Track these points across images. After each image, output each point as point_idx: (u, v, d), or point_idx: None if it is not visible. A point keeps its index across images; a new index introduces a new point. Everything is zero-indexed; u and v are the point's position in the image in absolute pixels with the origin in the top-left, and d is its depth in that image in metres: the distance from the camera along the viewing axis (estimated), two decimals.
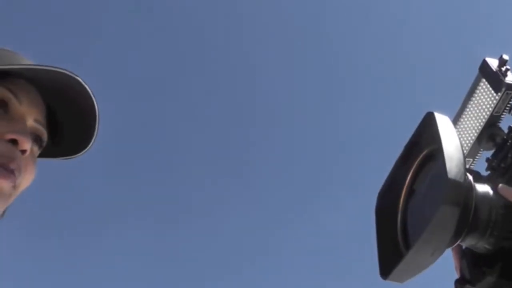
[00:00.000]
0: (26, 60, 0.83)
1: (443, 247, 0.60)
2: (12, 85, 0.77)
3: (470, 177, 0.66)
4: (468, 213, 0.63)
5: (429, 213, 0.61)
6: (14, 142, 0.73)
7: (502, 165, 0.76)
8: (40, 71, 0.76)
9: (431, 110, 0.70)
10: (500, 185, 0.67)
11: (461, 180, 0.58)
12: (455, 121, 0.87)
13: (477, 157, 0.84)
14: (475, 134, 0.83)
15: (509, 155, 0.75)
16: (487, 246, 0.65)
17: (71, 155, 0.87)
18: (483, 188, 0.66)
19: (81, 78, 0.77)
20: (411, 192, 0.71)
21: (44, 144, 0.82)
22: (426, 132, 0.67)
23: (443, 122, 0.64)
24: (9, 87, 0.76)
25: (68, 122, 0.84)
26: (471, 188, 0.64)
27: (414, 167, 0.70)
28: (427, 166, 0.68)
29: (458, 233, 0.63)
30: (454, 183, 0.57)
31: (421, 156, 0.69)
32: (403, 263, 0.62)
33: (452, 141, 0.62)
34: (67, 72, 0.75)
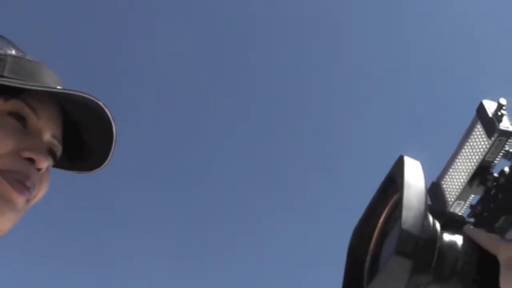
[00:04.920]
0: (51, 75, 0.85)
1: None
2: (32, 100, 0.80)
3: (438, 226, 0.64)
4: (429, 263, 0.61)
5: (383, 262, 0.60)
6: (31, 160, 0.76)
7: (485, 214, 0.73)
8: (60, 94, 0.79)
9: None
10: (466, 225, 0.65)
11: (416, 233, 0.57)
12: (451, 161, 0.85)
13: (468, 200, 0.82)
14: (468, 177, 0.81)
15: (492, 205, 0.73)
16: None
17: (84, 170, 0.90)
18: (451, 237, 0.64)
19: (102, 102, 0.79)
20: (383, 234, 0.70)
21: (58, 158, 0.85)
22: (397, 176, 0.66)
23: (411, 168, 0.63)
24: (29, 102, 0.79)
25: (86, 139, 0.86)
26: (435, 237, 0.63)
27: (387, 209, 0.69)
28: (397, 211, 0.67)
29: (417, 284, 0.62)
30: (407, 235, 0.56)
31: (393, 199, 0.68)
32: None
33: (415, 189, 0.61)
34: (88, 96, 0.78)
